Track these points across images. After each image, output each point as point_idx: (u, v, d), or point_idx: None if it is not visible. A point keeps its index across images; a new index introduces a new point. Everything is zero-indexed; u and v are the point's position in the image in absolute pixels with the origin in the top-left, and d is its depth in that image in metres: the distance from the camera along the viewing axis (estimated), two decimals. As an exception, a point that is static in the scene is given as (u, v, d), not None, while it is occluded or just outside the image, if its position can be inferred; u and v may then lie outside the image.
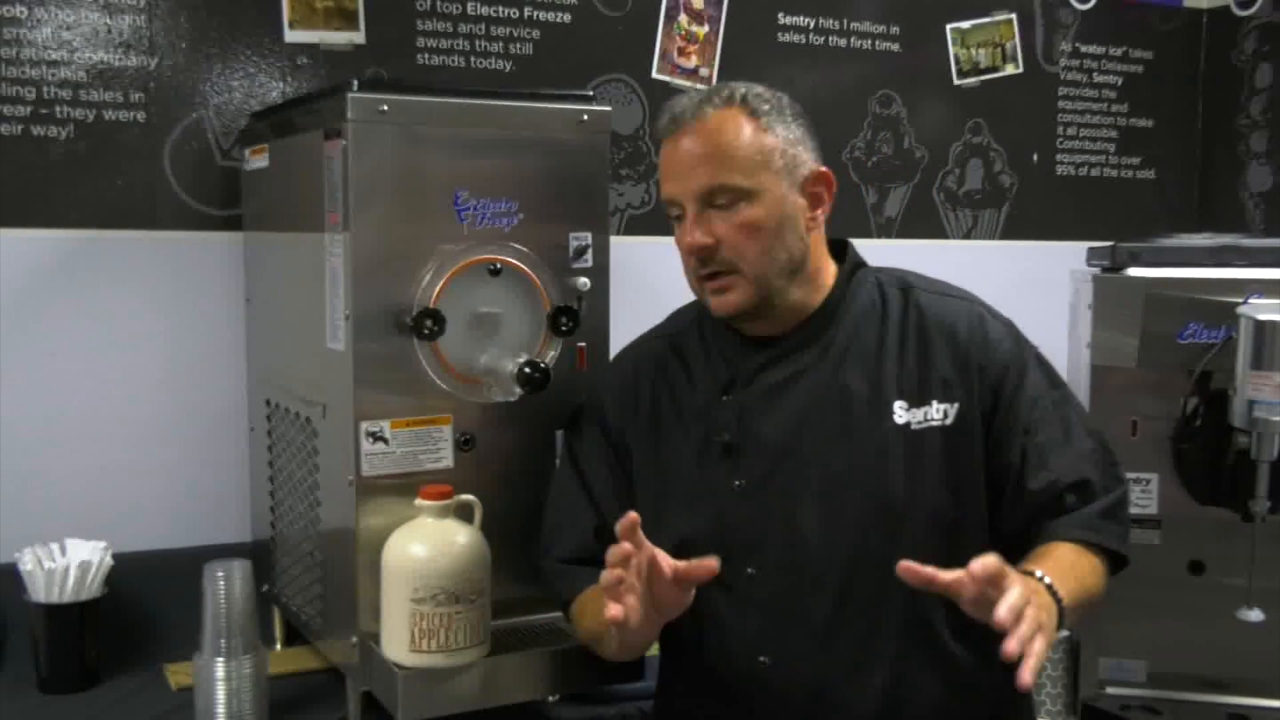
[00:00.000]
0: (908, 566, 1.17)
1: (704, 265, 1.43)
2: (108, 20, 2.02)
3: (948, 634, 1.42)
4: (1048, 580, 1.28)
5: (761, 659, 1.44)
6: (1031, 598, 1.17)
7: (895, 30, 2.69)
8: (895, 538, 1.39)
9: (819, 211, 1.47)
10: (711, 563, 1.27)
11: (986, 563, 1.16)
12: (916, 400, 1.43)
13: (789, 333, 1.48)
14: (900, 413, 1.42)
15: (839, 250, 1.54)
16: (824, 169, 1.47)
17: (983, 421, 1.44)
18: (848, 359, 1.45)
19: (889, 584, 1.33)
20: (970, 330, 1.46)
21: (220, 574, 1.57)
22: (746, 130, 1.42)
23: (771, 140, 1.42)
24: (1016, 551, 1.37)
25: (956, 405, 1.43)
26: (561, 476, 1.61)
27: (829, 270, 1.51)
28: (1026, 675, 1.09)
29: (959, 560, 1.38)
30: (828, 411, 1.43)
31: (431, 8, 2.25)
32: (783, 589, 1.43)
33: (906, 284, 1.51)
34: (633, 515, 1.26)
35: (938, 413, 1.43)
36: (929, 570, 1.17)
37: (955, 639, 1.42)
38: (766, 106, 1.44)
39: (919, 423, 1.42)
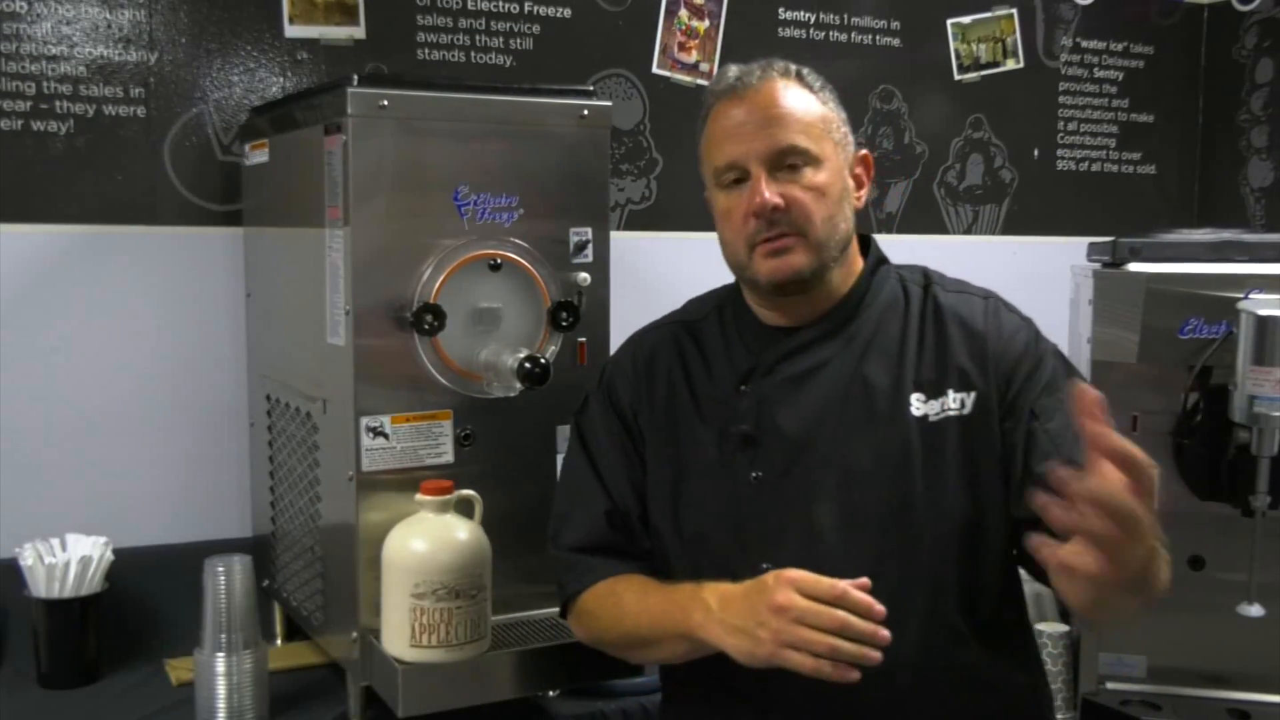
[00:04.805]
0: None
1: (771, 227, 1.39)
2: (107, 15, 2.02)
3: (970, 637, 1.37)
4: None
5: None
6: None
7: (896, 25, 2.69)
8: (915, 538, 1.36)
9: (862, 193, 1.48)
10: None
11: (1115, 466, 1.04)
12: (934, 391, 1.40)
13: (813, 322, 1.46)
14: (918, 405, 1.39)
15: (863, 245, 1.53)
16: (865, 151, 1.49)
17: (998, 411, 1.40)
18: (870, 352, 1.43)
19: (909, 585, 1.33)
20: (985, 320, 1.44)
21: (221, 569, 1.57)
22: (810, 98, 1.42)
23: (829, 112, 1.43)
24: (1027, 561, 1.32)
25: (974, 394, 1.40)
26: (571, 461, 1.56)
27: (858, 261, 1.50)
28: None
29: (977, 564, 1.38)
30: (849, 404, 1.41)
31: (432, 3, 2.25)
32: None
33: (927, 280, 1.49)
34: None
35: (955, 402, 1.39)
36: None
37: (978, 643, 1.38)
38: (819, 84, 1.45)
39: (936, 414, 1.39)
